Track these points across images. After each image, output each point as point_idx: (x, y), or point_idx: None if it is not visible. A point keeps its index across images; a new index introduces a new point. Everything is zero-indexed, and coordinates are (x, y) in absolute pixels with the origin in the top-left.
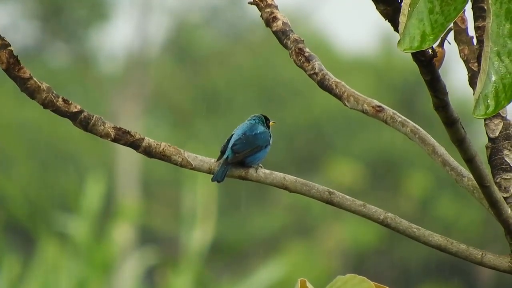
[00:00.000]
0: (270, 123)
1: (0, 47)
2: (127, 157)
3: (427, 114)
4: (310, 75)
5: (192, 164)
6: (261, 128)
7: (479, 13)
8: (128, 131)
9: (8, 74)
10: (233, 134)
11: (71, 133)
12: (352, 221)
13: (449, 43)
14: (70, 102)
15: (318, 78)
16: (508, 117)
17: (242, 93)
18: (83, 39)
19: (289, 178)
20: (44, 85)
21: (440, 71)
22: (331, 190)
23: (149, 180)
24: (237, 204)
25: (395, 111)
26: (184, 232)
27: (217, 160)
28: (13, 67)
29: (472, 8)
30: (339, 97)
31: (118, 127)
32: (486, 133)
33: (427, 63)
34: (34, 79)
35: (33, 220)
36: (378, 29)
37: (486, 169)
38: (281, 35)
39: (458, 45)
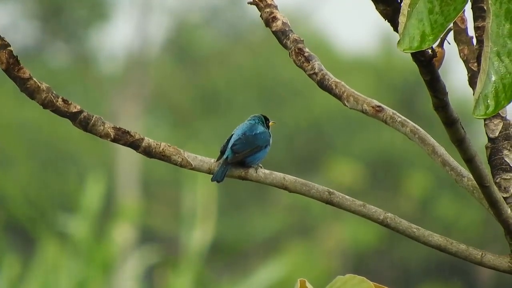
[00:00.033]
0: (270, 123)
1: (0, 47)
2: (127, 157)
3: (427, 114)
4: (309, 75)
5: (192, 164)
6: (261, 128)
7: (479, 13)
8: (128, 131)
9: (8, 74)
10: (232, 134)
11: (71, 133)
12: (352, 221)
13: (449, 43)
14: (69, 102)
15: (318, 78)
16: (508, 117)
17: (242, 93)
18: (83, 39)
19: (289, 178)
20: (43, 85)
21: (440, 71)
22: (331, 190)
23: (149, 180)
24: (237, 204)
25: (394, 111)
26: (184, 232)
27: (217, 160)
28: (12, 67)
29: (471, 8)
30: (338, 97)
31: (117, 127)
32: (486, 133)
33: (427, 63)
34: (34, 79)
35: (33, 220)
36: (378, 29)
37: (486, 169)
38: (281, 35)
39: (458, 45)
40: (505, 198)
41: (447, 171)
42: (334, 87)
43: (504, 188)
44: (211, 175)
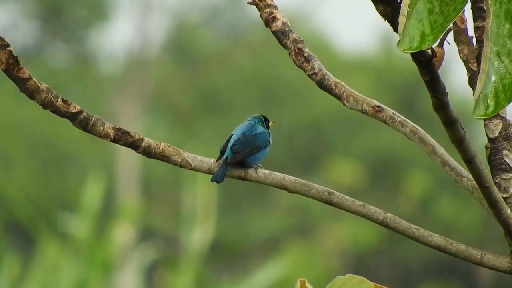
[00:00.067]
0: (270, 123)
1: (0, 47)
2: (127, 157)
3: (427, 114)
4: (309, 75)
5: (191, 165)
6: (260, 129)
7: (479, 13)
8: (128, 131)
9: (8, 75)
10: (232, 135)
11: (71, 133)
12: (352, 221)
13: (449, 44)
14: (69, 102)
15: (318, 78)
16: (507, 117)
17: (242, 93)
18: (83, 39)
19: (289, 178)
20: (43, 86)
21: (440, 71)
22: (331, 190)
23: (149, 180)
24: (237, 204)
25: (394, 111)
26: (184, 232)
27: (217, 161)
28: (12, 67)
29: (471, 8)
30: (338, 97)
31: (117, 127)
32: (486, 133)
33: (427, 63)
34: (34, 79)
35: (33, 220)
36: (378, 29)
37: (486, 170)
38: (281, 35)
39: (458, 45)
40: (504, 198)
41: (447, 171)
42: (333, 87)
43: (504, 188)
44: (211, 175)
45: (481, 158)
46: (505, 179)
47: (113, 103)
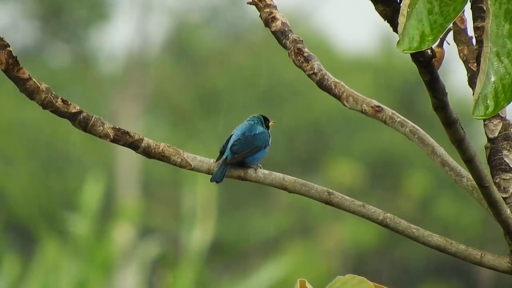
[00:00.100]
0: (270, 123)
1: None
2: (127, 157)
3: (427, 114)
4: (309, 75)
5: (191, 165)
6: (260, 129)
7: (478, 14)
8: (127, 131)
9: (7, 75)
10: (232, 135)
11: (71, 133)
12: (352, 221)
13: (448, 44)
14: (69, 102)
15: (317, 78)
16: (507, 118)
17: (242, 93)
18: (83, 39)
19: (288, 178)
20: (43, 86)
21: (440, 72)
22: (330, 190)
23: (149, 180)
24: (237, 204)
25: (394, 111)
26: (184, 232)
27: (216, 161)
28: (12, 67)
29: (471, 8)
30: (338, 97)
31: (117, 127)
32: (485, 133)
33: (426, 63)
34: (33, 79)
35: (33, 220)
36: (378, 29)
37: (485, 170)
38: (280, 35)
39: (458, 45)
40: (504, 199)
41: (447, 171)
42: (333, 87)
43: (504, 188)
44: (211, 175)
45: (481, 158)
46: (505, 179)
47: (113, 103)
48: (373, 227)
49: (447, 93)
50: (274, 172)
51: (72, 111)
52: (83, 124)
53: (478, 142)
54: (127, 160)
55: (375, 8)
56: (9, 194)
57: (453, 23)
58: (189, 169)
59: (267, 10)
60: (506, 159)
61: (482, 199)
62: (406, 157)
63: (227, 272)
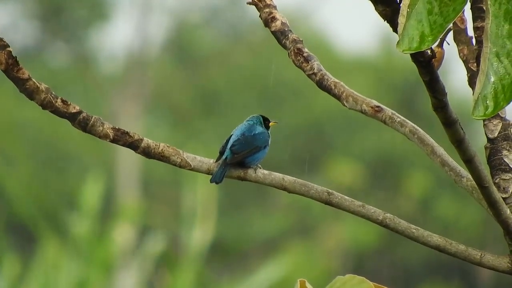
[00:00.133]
0: (271, 123)
1: None
2: (127, 157)
3: (427, 114)
4: (309, 75)
5: (191, 165)
6: (259, 129)
7: (478, 14)
8: (127, 131)
9: (7, 75)
10: (231, 135)
11: (71, 133)
12: (352, 221)
13: (448, 44)
14: (69, 103)
15: (317, 78)
16: (507, 118)
17: (242, 93)
18: (83, 39)
19: (288, 178)
20: (42, 86)
21: (440, 72)
22: (330, 190)
23: (149, 180)
24: (237, 204)
25: (394, 112)
26: (184, 232)
27: (216, 161)
28: (12, 68)
29: (471, 8)
30: (338, 97)
31: (116, 127)
32: (485, 133)
33: (426, 63)
34: (33, 80)
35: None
36: (378, 29)
37: (485, 170)
38: (280, 35)
39: (458, 45)
40: (504, 199)
41: (446, 171)
42: (333, 87)
43: (503, 188)
44: (211, 176)
45: (481, 158)
46: (505, 179)
47: (113, 103)
48: (373, 227)
49: (446, 93)
50: (274, 172)
51: (72, 111)
52: (83, 124)
53: (478, 142)
54: (127, 160)
55: (375, 9)
56: (9, 194)
57: (453, 23)
58: (189, 169)
59: (267, 10)
60: (505, 159)
61: (482, 199)
62: (406, 157)
63: (227, 272)
